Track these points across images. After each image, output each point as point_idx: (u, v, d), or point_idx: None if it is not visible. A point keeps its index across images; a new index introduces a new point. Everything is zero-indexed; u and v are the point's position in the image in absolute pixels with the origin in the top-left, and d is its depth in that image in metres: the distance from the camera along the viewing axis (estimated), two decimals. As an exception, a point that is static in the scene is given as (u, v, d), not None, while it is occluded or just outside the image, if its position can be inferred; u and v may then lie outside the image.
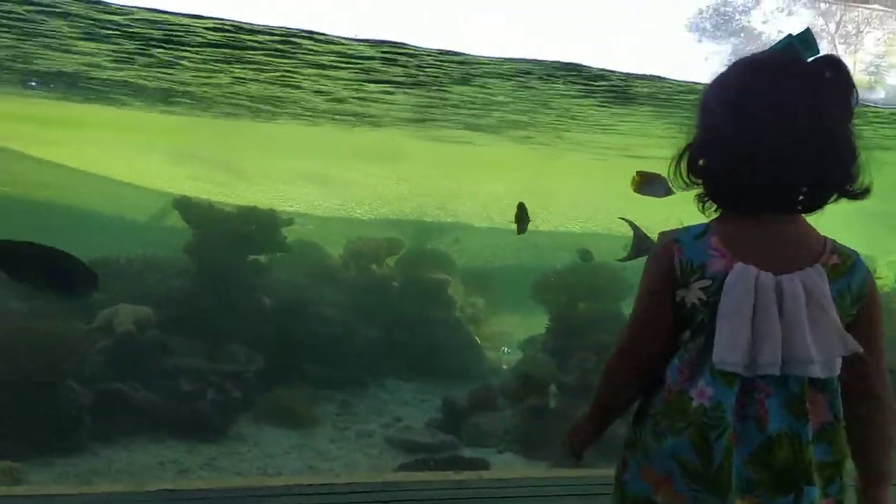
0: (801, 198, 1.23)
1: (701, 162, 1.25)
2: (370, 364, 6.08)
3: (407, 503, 2.54)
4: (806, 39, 1.25)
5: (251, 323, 5.39)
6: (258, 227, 6.01)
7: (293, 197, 10.40)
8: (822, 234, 1.24)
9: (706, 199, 1.27)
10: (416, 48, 4.43)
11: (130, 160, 11.08)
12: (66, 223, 9.09)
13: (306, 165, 11.10)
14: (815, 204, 1.24)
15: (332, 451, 4.42)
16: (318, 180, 11.11)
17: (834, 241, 1.23)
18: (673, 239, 1.25)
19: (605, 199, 11.90)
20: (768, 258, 1.20)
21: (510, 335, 8.41)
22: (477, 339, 7.08)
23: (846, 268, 1.20)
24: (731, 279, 1.19)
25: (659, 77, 5.63)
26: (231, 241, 5.78)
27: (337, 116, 7.90)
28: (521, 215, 4.06)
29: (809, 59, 1.21)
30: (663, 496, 1.23)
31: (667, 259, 1.23)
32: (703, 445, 1.20)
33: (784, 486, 1.19)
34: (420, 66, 5.05)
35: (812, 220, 1.28)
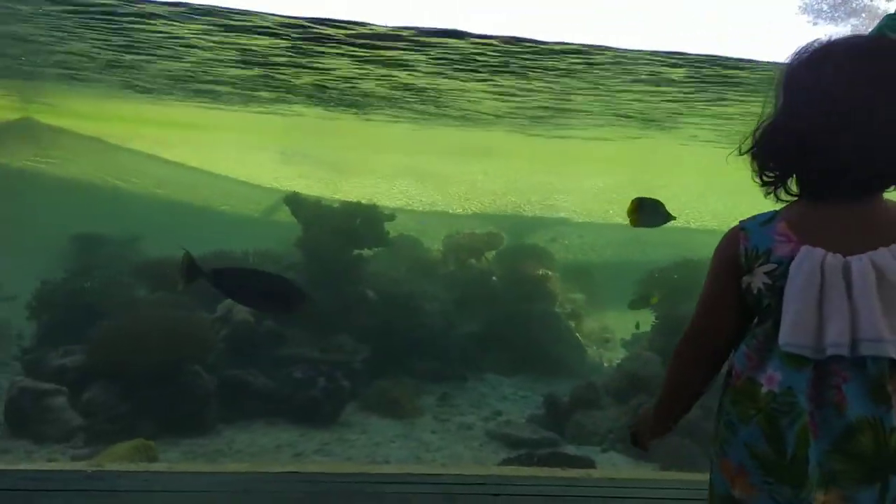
0: (873, 183, 1.21)
1: (776, 144, 1.24)
2: (470, 358, 6.17)
3: (515, 497, 2.55)
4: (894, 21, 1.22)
5: (356, 315, 5.59)
6: (362, 222, 6.21)
7: (393, 193, 10.67)
8: None
9: (778, 184, 1.25)
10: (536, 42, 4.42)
11: (243, 159, 11.74)
12: (185, 219, 9.78)
13: (406, 161, 11.33)
14: (877, 189, 1.21)
15: (435, 442, 4.51)
16: (418, 176, 11.32)
17: None
18: (739, 227, 1.24)
19: (713, 192, 11.44)
20: (838, 241, 1.18)
21: (611, 332, 8.29)
22: (577, 335, 7.01)
23: None
24: (796, 262, 1.19)
25: (774, 63, 5.35)
26: (337, 236, 6.02)
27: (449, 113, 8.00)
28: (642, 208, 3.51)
29: None
30: (740, 490, 1.21)
31: (732, 246, 1.23)
32: (774, 433, 1.18)
33: (869, 476, 1.15)
34: (538, 61, 5.05)
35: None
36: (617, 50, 4.93)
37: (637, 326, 6.39)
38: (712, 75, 5.72)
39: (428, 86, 6.18)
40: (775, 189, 1.26)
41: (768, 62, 5.38)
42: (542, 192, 10.85)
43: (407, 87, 6.29)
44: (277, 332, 4.96)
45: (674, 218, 3.42)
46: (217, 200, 10.97)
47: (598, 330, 7.74)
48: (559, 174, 11.07)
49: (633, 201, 3.37)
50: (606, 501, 2.72)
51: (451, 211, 10.65)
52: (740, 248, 1.23)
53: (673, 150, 10.06)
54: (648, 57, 5.06)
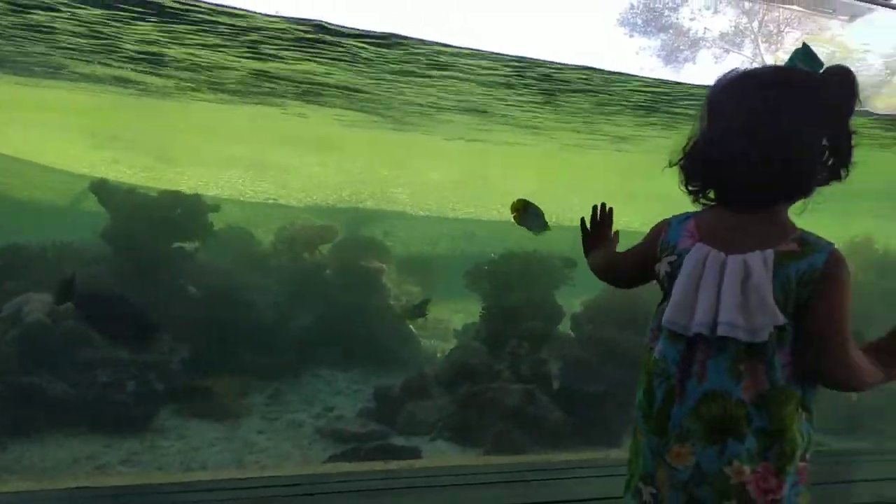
0: (756, 197, 1.39)
1: (689, 159, 1.45)
2: (303, 353, 5.97)
3: (332, 495, 2.47)
4: (805, 54, 1.38)
5: (175, 312, 5.18)
6: (183, 213, 5.78)
7: (222, 183, 10.08)
8: (796, 226, 1.40)
9: (699, 193, 1.46)
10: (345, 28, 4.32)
11: (46, 141, 10.48)
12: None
13: (239, 150, 10.75)
14: (772, 201, 1.40)
15: (261, 443, 4.29)
16: (251, 166, 10.79)
17: (807, 234, 1.37)
18: (667, 220, 1.50)
19: (545, 188, 12.06)
20: (728, 241, 1.39)
21: (446, 323, 8.47)
22: (412, 327, 7.07)
23: (802, 255, 1.34)
24: (689, 255, 1.41)
25: (591, 68, 5.71)
26: (152, 227, 5.54)
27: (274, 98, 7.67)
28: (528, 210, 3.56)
29: (816, 71, 1.37)
30: (636, 437, 1.48)
31: (656, 232, 1.50)
32: (650, 390, 1.43)
33: (713, 437, 1.35)
34: (357, 50, 4.95)
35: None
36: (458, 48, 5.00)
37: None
38: (536, 77, 5.99)
39: (262, 70, 5.88)
40: (697, 197, 1.46)
41: (583, 66, 5.74)
42: (381, 186, 10.82)
43: (230, 68, 5.92)
44: (80, 333, 4.46)
45: (549, 229, 3.49)
46: (14, 188, 9.70)
47: (433, 321, 7.86)
48: (399, 168, 11.09)
49: (518, 201, 3.46)
50: (429, 491, 2.73)
51: (286, 203, 10.29)
52: (661, 237, 1.47)
53: (509, 147, 10.47)
54: (470, 56, 5.18)
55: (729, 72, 1.42)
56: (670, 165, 1.48)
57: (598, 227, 1.83)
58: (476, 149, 10.66)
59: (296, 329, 6.15)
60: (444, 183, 10.74)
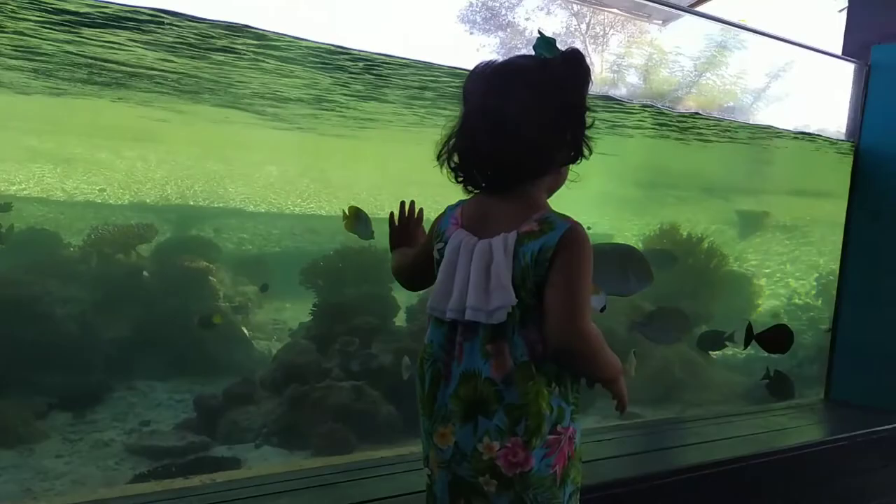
0: (495, 177, 1.46)
1: (446, 150, 1.49)
2: (115, 366, 5.43)
3: (124, 519, 2.22)
4: (544, 43, 1.45)
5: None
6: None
7: (21, 179, 8.96)
8: (549, 207, 1.47)
9: (465, 181, 1.50)
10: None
11: None
12: None
13: (42, 144, 9.62)
14: (510, 181, 1.45)
15: (58, 468, 3.82)
16: (58, 161, 9.70)
17: (550, 214, 1.42)
18: (445, 210, 1.54)
19: (385, 181, 12.00)
20: (482, 227, 1.45)
21: (283, 323, 8.15)
22: (245, 329, 6.70)
23: (540, 234, 1.39)
24: (449, 243, 1.47)
25: (431, 63, 5.69)
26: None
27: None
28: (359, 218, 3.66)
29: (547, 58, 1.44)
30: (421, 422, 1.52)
31: (436, 222, 1.55)
32: (420, 374, 1.48)
33: (467, 416, 1.41)
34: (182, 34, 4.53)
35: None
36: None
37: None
38: (367, 69, 5.87)
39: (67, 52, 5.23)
40: (465, 185, 1.49)
41: (425, 62, 5.70)
42: (210, 181, 10.18)
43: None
44: None
45: (374, 238, 3.56)
46: None
47: (269, 322, 7.53)
48: (228, 161, 10.49)
49: (350, 208, 3.59)
50: (251, 501, 2.54)
51: (101, 201, 9.36)
52: (437, 225, 1.53)
53: (345, 140, 10.26)
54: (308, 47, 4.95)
55: (482, 62, 1.48)
56: (437, 160, 1.50)
57: (406, 225, 1.80)
58: (312, 141, 10.37)
59: (106, 340, 5.58)
60: (282, 177, 10.33)
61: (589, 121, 1.46)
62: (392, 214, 1.81)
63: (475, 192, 1.50)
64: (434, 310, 1.45)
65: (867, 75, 3.97)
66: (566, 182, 1.57)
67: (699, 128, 7.91)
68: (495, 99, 1.41)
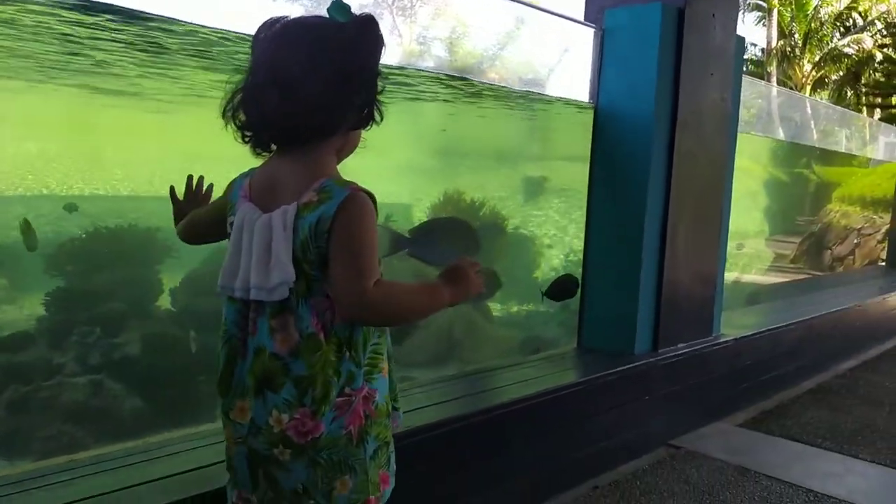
0: (270, 135, 1.46)
1: (230, 106, 1.48)
2: None
3: None
4: (339, 7, 1.44)
5: None
6: None
7: None
8: (333, 172, 1.46)
9: (253, 142, 1.49)
10: None
11: None
12: None
13: None
14: (287, 141, 1.46)
15: None
16: None
17: (330, 182, 1.41)
18: (233, 180, 1.56)
19: (160, 157, 11.01)
20: (268, 198, 1.44)
21: (34, 317, 7.20)
22: (-20, 330, 5.79)
23: (318, 204, 1.38)
24: (236, 218, 1.47)
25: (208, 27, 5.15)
26: None
27: None
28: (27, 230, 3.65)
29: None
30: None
31: (228, 189, 1.56)
32: (217, 353, 1.50)
33: (256, 390, 1.44)
34: None
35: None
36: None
37: None
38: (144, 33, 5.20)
39: None
40: (255, 147, 1.48)
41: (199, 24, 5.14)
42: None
43: None
44: None
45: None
46: None
47: (16, 319, 6.59)
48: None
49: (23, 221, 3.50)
50: None
51: None
52: (229, 194, 1.54)
53: (117, 111, 9.23)
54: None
55: (267, 20, 1.45)
56: (222, 117, 1.46)
57: (191, 201, 1.80)
58: (79, 114, 9.21)
59: None
60: (42, 155, 9.07)
61: (380, 86, 1.47)
62: (172, 189, 1.79)
63: (264, 154, 1.49)
64: (224, 288, 1.47)
65: (602, 39, 4.20)
66: (356, 149, 1.57)
67: (488, 97, 8.16)
68: (281, 53, 1.40)
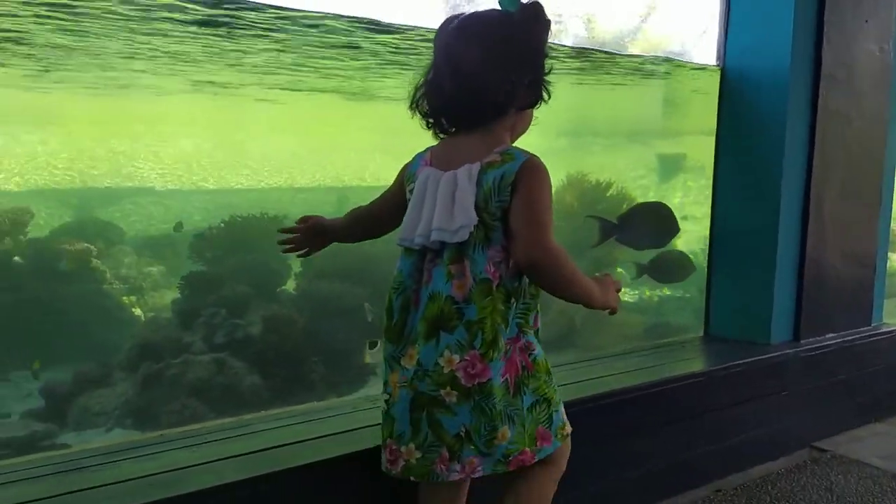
0: (458, 117, 1.64)
1: (417, 96, 1.68)
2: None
3: None
4: None
5: None
6: None
7: None
8: (514, 146, 1.63)
9: (435, 126, 1.70)
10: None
11: None
12: None
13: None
14: (472, 121, 1.63)
15: None
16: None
17: (512, 149, 1.60)
18: (414, 156, 1.74)
19: (306, 147, 11.58)
20: (448, 162, 1.61)
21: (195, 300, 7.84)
22: (140, 311, 6.39)
23: (501, 163, 1.56)
24: (418, 180, 1.64)
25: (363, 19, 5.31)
26: None
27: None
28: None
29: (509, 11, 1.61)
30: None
31: (405, 168, 1.76)
32: (389, 305, 1.64)
33: (430, 333, 1.55)
34: None
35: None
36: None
37: None
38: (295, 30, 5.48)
39: None
40: (437, 132, 1.69)
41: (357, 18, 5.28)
42: (115, 160, 9.70)
43: None
44: None
45: None
46: None
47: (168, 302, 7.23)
48: (134, 138, 10.01)
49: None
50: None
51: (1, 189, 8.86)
52: (408, 168, 1.73)
53: (262, 105, 9.83)
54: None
55: (450, 16, 1.64)
56: (409, 108, 1.68)
57: (309, 233, 1.94)
58: (226, 110, 9.91)
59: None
60: (196, 152, 9.90)
61: (547, 67, 1.64)
62: (284, 243, 1.96)
63: (443, 137, 1.68)
64: (403, 240, 1.62)
65: (727, -6, 3.77)
66: (528, 127, 1.73)
67: (606, 69, 7.71)
68: (458, 44, 1.58)
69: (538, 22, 1.62)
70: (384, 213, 1.83)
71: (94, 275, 6.28)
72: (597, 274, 1.68)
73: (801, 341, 3.66)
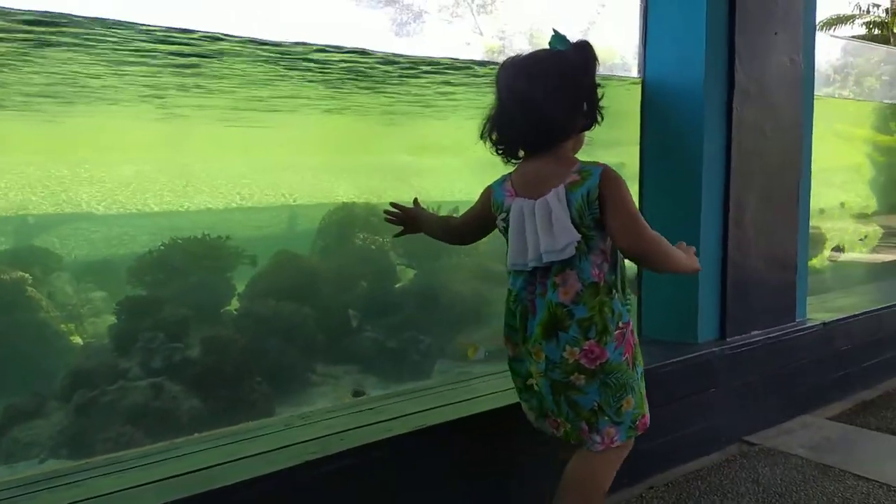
0: (532, 144, 1.92)
1: (487, 128, 1.96)
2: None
3: None
4: (558, 38, 1.90)
5: None
6: None
7: None
8: (579, 160, 1.90)
9: (506, 154, 1.98)
10: None
11: None
12: None
13: None
14: (543, 145, 1.91)
15: None
16: None
17: (584, 164, 1.86)
18: (491, 185, 2.02)
19: (255, 168, 11.53)
20: (533, 190, 1.88)
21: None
22: (78, 339, 6.23)
23: (582, 180, 1.83)
24: (511, 211, 1.91)
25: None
26: None
27: None
28: None
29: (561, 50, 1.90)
30: (508, 350, 2.03)
31: (486, 197, 2.04)
32: (511, 314, 1.97)
33: (548, 334, 1.87)
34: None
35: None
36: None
37: None
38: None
39: None
40: (506, 158, 1.97)
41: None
42: (57, 186, 9.51)
43: None
44: None
45: None
46: None
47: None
48: (78, 163, 9.84)
49: None
50: None
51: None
52: (491, 199, 1.99)
53: (206, 129, 9.75)
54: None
55: (508, 57, 1.91)
56: (480, 138, 1.92)
57: (404, 218, 2.28)
58: (169, 134, 9.80)
59: None
60: (139, 175, 9.75)
61: (600, 94, 1.90)
62: (389, 218, 2.28)
63: (513, 161, 1.96)
64: (515, 265, 1.90)
65: (646, 3, 3.94)
66: (584, 145, 2.01)
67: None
68: (524, 84, 1.84)
69: (590, 58, 1.88)
70: (466, 230, 2.18)
71: (31, 304, 6.06)
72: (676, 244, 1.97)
73: (727, 339, 3.80)
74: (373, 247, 6.65)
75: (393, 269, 6.90)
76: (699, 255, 3.63)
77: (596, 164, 1.86)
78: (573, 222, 1.80)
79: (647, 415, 2.01)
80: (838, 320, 4.49)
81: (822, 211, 10.00)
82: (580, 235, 1.81)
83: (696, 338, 3.74)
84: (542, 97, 1.84)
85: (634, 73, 4.13)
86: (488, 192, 2.03)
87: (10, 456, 3.92)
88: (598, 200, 1.80)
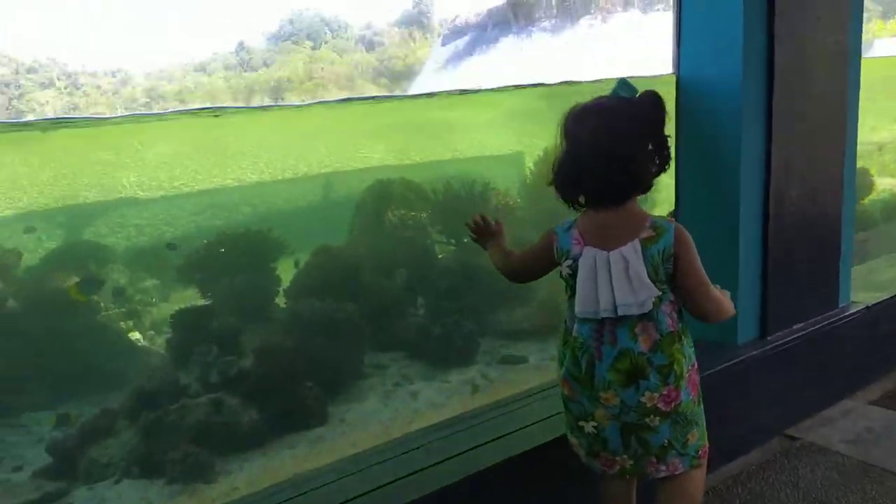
0: (611, 196, 1.94)
1: (558, 177, 1.99)
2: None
3: None
4: (624, 84, 1.94)
5: None
6: None
7: None
8: (648, 213, 1.96)
9: (573, 201, 2.01)
10: None
11: None
12: None
13: None
14: (623, 199, 1.95)
15: None
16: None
17: (655, 218, 1.94)
18: (553, 230, 2.05)
19: (286, 144, 11.56)
20: (605, 240, 1.93)
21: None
22: (135, 340, 6.46)
23: (657, 237, 1.91)
24: (581, 259, 1.94)
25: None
26: None
27: None
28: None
29: (628, 98, 1.94)
30: (566, 390, 2.06)
31: (548, 241, 2.06)
32: (575, 359, 2.00)
33: (628, 381, 1.94)
34: None
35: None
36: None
37: None
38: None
39: None
40: (572, 205, 1.99)
41: None
42: (97, 173, 9.73)
43: None
44: None
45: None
46: None
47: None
48: (111, 148, 9.99)
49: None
50: None
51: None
52: (554, 246, 2.02)
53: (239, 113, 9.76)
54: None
55: (573, 106, 1.94)
56: (548, 185, 1.97)
57: (486, 233, 2.33)
58: (204, 119, 9.85)
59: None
60: (175, 156, 9.90)
61: (669, 143, 1.95)
62: (470, 225, 2.34)
63: (578, 208, 1.99)
64: (585, 313, 1.93)
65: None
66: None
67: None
68: (607, 139, 1.88)
69: (662, 107, 1.94)
70: (521, 270, 2.23)
71: (91, 306, 6.28)
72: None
73: (768, 338, 3.80)
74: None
75: (432, 249, 6.94)
76: (739, 255, 3.68)
77: (666, 219, 1.94)
78: (649, 277, 1.88)
79: (707, 444, 2.14)
80: (882, 302, 4.41)
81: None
82: (659, 291, 1.89)
83: (736, 339, 3.75)
84: (628, 153, 1.89)
85: (669, 69, 3.99)
86: (551, 238, 2.06)
87: (89, 477, 4.19)
88: (672, 259, 1.90)
